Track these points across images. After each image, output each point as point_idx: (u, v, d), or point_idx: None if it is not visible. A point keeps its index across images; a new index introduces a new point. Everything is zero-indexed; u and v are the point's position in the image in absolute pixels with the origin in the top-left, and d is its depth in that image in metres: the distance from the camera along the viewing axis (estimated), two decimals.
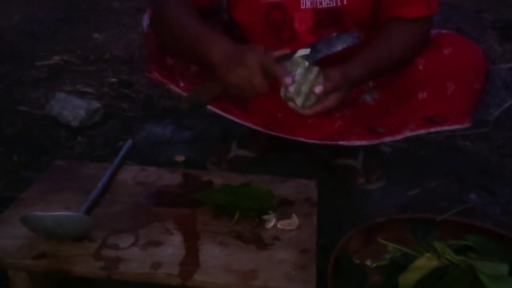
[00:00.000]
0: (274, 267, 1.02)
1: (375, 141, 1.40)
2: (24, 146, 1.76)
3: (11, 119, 1.93)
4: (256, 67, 1.06)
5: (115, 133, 1.85)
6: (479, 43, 2.50)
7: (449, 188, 1.58)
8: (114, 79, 2.26)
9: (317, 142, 1.41)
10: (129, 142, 1.47)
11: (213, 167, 1.62)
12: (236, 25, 1.39)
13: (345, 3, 1.26)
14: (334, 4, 1.27)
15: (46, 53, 2.50)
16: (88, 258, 1.03)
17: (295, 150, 1.70)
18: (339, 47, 1.12)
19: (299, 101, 1.10)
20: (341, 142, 1.41)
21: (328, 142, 1.41)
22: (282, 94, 1.11)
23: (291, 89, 1.09)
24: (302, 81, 1.08)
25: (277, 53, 1.12)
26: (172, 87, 1.41)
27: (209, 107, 1.32)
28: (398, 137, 1.38)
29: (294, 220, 1.15)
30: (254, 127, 1.42)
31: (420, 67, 1.31)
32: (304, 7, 1.28)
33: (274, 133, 1.42)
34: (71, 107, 1.90)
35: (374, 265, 1.14)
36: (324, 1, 1.27)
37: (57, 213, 1.08)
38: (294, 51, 1.11)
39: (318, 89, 1.09)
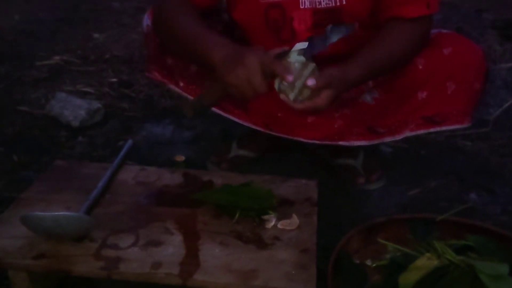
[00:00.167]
0: (274, 267, 1.02)
1: (375, 141, 1.40)
2: (24, 146, 1.76)
3: (11, 119, 1.93)
4: (255, 67, 1.06)
5: (116, 133, 1.86)
6: (479, 43, 2.50)
7: (449, 188, 1.58)
8: (114, 79, 2.26)
9: (317, 142, 1.41)
10: (130, 142, 1.47)
11: (213, 167, 1.62)
12: (236, 25, 1.39)
13: (344, 3, 1.26)
14: (333, 4, 1.27)
15: (46, 53, 2.50)
16: (88, 258, 1.03)
17: (295, 150, 1.70)
18: (335, 38, 1.12)
19: (292, 95, 1.10)
20: (341, 142, 1.41)
21: (328, 142, 1.41)
22: (276, 85, 1.11)
23: (286, 82, 1.09)
24: (297, 76, 1.09)
25: (277, 51, 1.12)
26: (172, 87, 1.41)
27: None
28: (398, 137, 1.38)
29: (294, 220, 1.15)
30: (254, 127, 1.42)
31: (420, 67, 1.30)
32: (303, 6, 1.28)
33: (274, 133, 1.42)
34: (72, 107, 1.90)
35: (374, 265, 1.14)
36: (323, 1, 1.27)
37: (57, 213, 1.08)
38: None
39: (310, 81, 1.09)
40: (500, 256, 1.05)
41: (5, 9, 3.08)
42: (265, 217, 1.15)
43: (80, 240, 1.07)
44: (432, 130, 1.35)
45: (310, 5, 1.28)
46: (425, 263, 1.04)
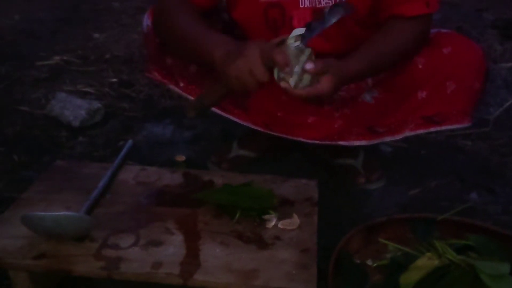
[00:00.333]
0: (275, 266, 1.02)
1: (375, 141, 1.40)
2: (25, 146, 1.76)
3: (12, 119, 1.93)
4: (255, 56, 1.07)
5: (116, 133, 1.86)
6: (479, 42, 2.51)
7: (449, 187, 1.58)
8: (114, 79, 2.26)
9: (317, 142, 1.41)
10: (130, 142, 1.47)
11: (213, 167, 1.62)
12: (236, 25, 1.39)
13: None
14: (333, 3, 1.27)
15: (46, 53, 2.50)
16: (89, 258, 1.03)
17: (295, 150, 1.71)
18: (333, 20, 1.12)
19: (291, 81, 1.10)
20: (341, 142, 1.41)
21: (328, 142, 1.41)
22: (275, 75, 1.11)
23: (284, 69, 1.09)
24: (294, 62, 1.09)
25: (277, 40, 1.12)
26: (172, 87, 1.41)
27: None
28: (398, 136, 1.38)
29: (295, 220, 1.15)
30: (253, 127, 1.42)
31: (420, 66, 1.30)
32: (303, 6, 1.28)
33: (274, 133, 1.42)
34: (72, 107, 1.90)
35: (375, 264, 1.14)
36: (323, 0, 1.27)
37: (57, 213, 1.08)
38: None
39: (308, 65, 1.09)
40: (500, 255, 1.05)
41: (5, 9, 3.08)
42: (266, 217, 1.15)
43: (80, 240, 1.07)
44: (432, 129, 1.35)
45: (310, 4, 1.28)
46: (425, 263, 1.04)
